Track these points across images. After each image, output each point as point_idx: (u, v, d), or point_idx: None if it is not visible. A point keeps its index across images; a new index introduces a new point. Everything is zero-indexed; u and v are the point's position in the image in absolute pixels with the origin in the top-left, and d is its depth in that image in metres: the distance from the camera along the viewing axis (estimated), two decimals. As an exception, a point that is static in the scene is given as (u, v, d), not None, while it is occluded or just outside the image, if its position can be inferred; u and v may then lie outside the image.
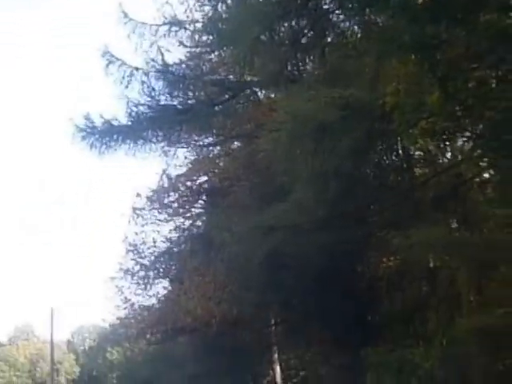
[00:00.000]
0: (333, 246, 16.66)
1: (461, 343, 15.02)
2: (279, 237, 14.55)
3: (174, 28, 20.29)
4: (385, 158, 19.68)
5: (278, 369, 35.91)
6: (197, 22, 20.82)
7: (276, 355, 35.22)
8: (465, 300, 19.36)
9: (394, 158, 20.34)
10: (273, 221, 14.19)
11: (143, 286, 32.97)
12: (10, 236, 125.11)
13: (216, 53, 21.03)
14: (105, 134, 19.69)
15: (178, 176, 29.60)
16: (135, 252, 32.38)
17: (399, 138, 16.43)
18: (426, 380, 15.87)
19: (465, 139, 12.38)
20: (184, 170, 29.44)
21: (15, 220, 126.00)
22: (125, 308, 34.10)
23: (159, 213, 30.42)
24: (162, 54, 20.18)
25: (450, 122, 10.36)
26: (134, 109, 20.30)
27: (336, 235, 15.75)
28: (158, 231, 31.95)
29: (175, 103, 21.24)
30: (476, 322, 14.46)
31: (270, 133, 12.93)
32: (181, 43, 21.12)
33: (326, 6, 14.29)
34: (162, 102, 20.55)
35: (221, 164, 26.83)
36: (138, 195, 30.65)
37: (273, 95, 23.27)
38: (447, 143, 13.66)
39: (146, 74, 19.89)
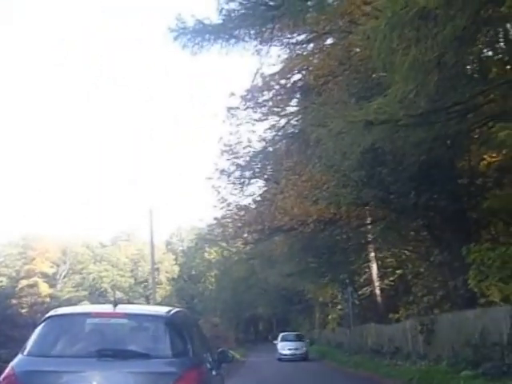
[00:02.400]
0: (433, 142, 16.18)
1: None
2: (378, 132, 14.10)
3: None
4: (488, 49, 18.83)
5: (374, 267, 36.11)
6: None
7: (372, 254, 35.37)
8: None
9: (497, 49, 19.49)
10: (371, 115, 13.72)
11: (239, 186, 33.26)
12: (109, 141, 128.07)
13: None
14: (197, 34, 19.48)
15: (272, 74, 29.21)
16: (230, 152, 32.51)
17: (508, 24, 15.56)
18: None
19: None
20: (278, 68, 29.03)
21: (114, 124, 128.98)
22: (221, 208, 34.63)
23: (254, 112, 30.25)
24: None
25: None
26: (226, 6, 19.90)
27: (436, 130, 15.24)
28: (253, 131, 31.93)
29: (267, -1, 20.77)
30: None
31: (368, 22, 12.36)
32: None
33: None
34: (254, -1, 20.08)
35: (315, 61, 26.20)
36: (232, 94, 30.50)
37: (368, -13, 22.43)
38: None
39: (238, -32, 19.36)
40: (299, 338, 42.28)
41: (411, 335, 25.63)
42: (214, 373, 8.55)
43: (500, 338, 16.37)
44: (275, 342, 44.48)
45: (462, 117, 15.63)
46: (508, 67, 19.04)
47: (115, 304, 7.46)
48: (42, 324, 7.24)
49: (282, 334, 44.09)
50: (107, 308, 7.56)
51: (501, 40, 18.75)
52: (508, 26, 16.46)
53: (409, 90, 13.04)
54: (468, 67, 17.77)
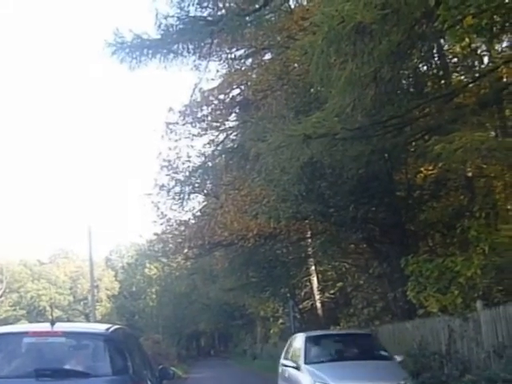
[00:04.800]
0: (371, 155, 16.38)
1: (503, 250, 14.80)
2: (316, 146, 14.19)
3: None
4: (423, 64, 19.24)
5: (315, 280, 36.27)
6: None
7: (313, 267, 35.53)
8: (502, 209, 19.16)
9: (432, 64, 19.94)
10: (310, 130, 13.81)
11: (179, 201, 33.14)
12: (45, 159, 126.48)
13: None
14: (135, 49, 19.38)
15: (211, 89, 29.30)
16: (170, 167, 32.45)
17: (442, 39, 15.89)
18: (468, 288, 15.75)
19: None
20: (216, 83, 29.15)
21: (49, 142, 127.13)
22: (161, 224, 34.50)
23: (193, 127, 30.34)
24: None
25: (498, 17, 9.83)
26: (164, 21, 19.86)
27: (374, 143, 15.48)
28: (192, 146, 32.01)
29: (205, 14, 20.81)
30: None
31: (305, 37, 12.45)
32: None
33: None
34: (192, 14, 20.09)
35: (253, 76, 26.38)
36: (171, 110, 30.50)
37: (305, 3, 22.70)
38: (494, 40, 13.05)
39: (175, -16, 19.36)
40: None
41: (352, 347, 25.76)
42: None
43: (439, 348, 16.58)
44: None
45: (399, 130, 15.88)
46: (442, 82, 19.48)
47: (53, 322, 7.31)
48: None
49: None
50: (45, 326, 7.40)
51: (435, 55, 19.19)
52: (442, 41, 16.82)
53: (346, 104, 13.20)
54: (404, 82, 18.10)
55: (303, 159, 14.90)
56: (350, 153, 15.26)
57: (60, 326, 7.41)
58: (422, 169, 21.12)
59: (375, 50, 11.93)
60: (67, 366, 6.85)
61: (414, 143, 18.20)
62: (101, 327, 7.92)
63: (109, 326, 8.00)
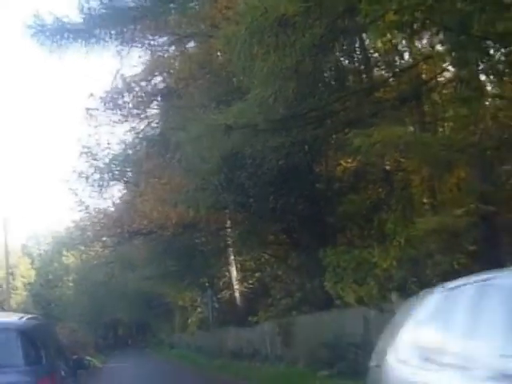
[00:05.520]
0: (291, 146, 16.49)
1: (418, 243, 15.08)
2: (237, 136, 14.19)
3: None
4: (344, 58, 19.44)
5: (233, 270, 36.28)
6: None
7: (232, 257, 35.53)
8: (418, 202, 19.55)
9: (353, 58, 20.15)
10: (231, 120, 13.79)
11: (98, 189, 32.77)
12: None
13: None
14: (56, 32, 19.07)
15: (133, 76, 28.95)
16: (89, 154, 31.97)
17: (364, 34, 16.05)
18: (384, 279, 15.99)
19: (433, 31, 11.97)
20: (139, 70, 28.82)
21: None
22: (80, 211, 34.02)
23: (113, 114, 29.91)
24: None
25: (419, 14, 9.98)
26: (86, 5, 19.55)
27: (294, 135, 15.54)
28: (113, 133, 31.58)
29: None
30: (432, 223, 14.48)
31: (229, 26, 12.41)
32: None
33: None
34: (115, -2, 19.82)
35: (176, 64, 26.15)
36: (92, 95, 29.98)
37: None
38: (414, 37, 13.25)
39: (97, -33, 19.06)
40: None
41: (269, 337, 25.92)
42: (69, 380, 8.29)
43: (354, 339, 16.79)
44: None
45: (319, 123, 16.01)
46: (364, 76, 19.69)
47: None
48: None
49: None
50: None
51: (357, 49, 19.36)
52: (364, 36, 16.99)
53: (268, 95, 13.19)
54: (326, 75, 18.21)
55: (224, 150, 14.87)
56: (270, 144, 15.29)
57: None
58: (341, 162, 21.40)
59: (297, 42, 11.96)
60: None
61: (334, 136, 18.39)
62: (13, 317, 7.72)
63: (21, 315, 7.81)
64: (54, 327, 13.23)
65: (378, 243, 17.32)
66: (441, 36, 11.99)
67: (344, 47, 16.71)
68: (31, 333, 7.24)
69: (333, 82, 18.88)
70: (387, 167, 19.33)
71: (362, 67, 20.02)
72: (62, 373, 7.87)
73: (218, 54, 21.17)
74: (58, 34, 19.11)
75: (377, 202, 20.68)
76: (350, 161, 20.89)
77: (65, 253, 75.74)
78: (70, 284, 79.80)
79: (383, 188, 20.68)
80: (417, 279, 14.86)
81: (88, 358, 11.49)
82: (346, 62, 20.16)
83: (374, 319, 15.93)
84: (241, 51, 12.58)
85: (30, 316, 8.06)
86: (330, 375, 16.98)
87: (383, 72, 20.58)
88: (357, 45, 18.78)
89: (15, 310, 49.81)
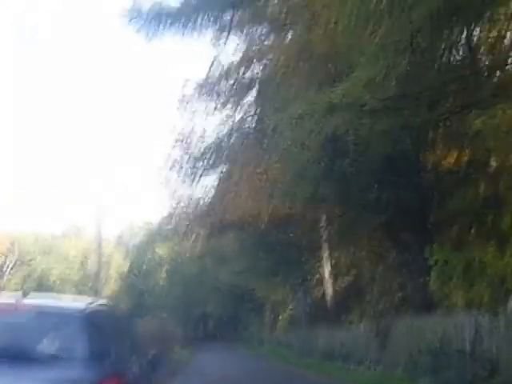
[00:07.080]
0: (400, 131, 15.10)
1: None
2: (340, 118, 12.98)
3: None
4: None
5: (327, 267, 35.08)
6: None
7: (326, 253, 34.33)
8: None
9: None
10: (334, 100, 12.58)
11: (191, 179, 32.07)
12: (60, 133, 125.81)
13: None
14: (153, 18, 18.55)
15: (230, 64, 28.24)
16: (184, 143, 31.35)
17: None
18: (497, 281, 14.57)
19: None
20: (236, 58, 28.02)
21: (62, 115, 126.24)
22: (173, 203, 33.77)
23: (209, 101, 29.27)
24: None
25: None
26: (184, -11, 19.00)
27: (404, 118, 14.14)
28: (208, 121, 30.95)
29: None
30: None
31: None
32: None
33: None
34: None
35: (274, 53, 25.19)
36: (187, 81, 29.43)
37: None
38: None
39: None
40: None
41: (365, 339, 24.65)
42: (144, 380, 7.22)
43: (462, 345, 15.35)
44: None
45: (434, 104, 14.57)
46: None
47: (25, 293, 6.07)
48: None
49: None
50: (14, 298, 6.12)
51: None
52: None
53: (376, 72, 11.98)
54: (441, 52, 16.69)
55: (326, 132, 13.67)
56: (377, 127, 13.92)
57: (31, 299, 6.15)
58: (452, 151, 19.75)
59: (411, 14, 10.76)
60: (34, 348, 5.57)
61: (447, 122, 16.78)
62: (79, 303, 6.61)
63: (89, 301, 6.78)
64: (129, 318, 12.21)
65: (492, 242, 15.82)
66: None
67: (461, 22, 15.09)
68: (99, 321, 6.16)
69: (452, 59, 17.28)
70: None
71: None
72: (136, 370, 6.78)
73: (320, 39, 20.09)
74: (155, 19, 18.59)
75: (492, 196, 18.94)
76: (463, 150, 19.22)
77: (158, 244, 76.45)
78: (163, 275, 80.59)
79: (500, 181, 18.88)
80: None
81: (174, 351, 10.68)
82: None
83: (487, 325, 14.54)
84: (348, 24, 11.48)
85: (99, 302, 7.01)
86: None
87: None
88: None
89: (108, 298, 50.15)
